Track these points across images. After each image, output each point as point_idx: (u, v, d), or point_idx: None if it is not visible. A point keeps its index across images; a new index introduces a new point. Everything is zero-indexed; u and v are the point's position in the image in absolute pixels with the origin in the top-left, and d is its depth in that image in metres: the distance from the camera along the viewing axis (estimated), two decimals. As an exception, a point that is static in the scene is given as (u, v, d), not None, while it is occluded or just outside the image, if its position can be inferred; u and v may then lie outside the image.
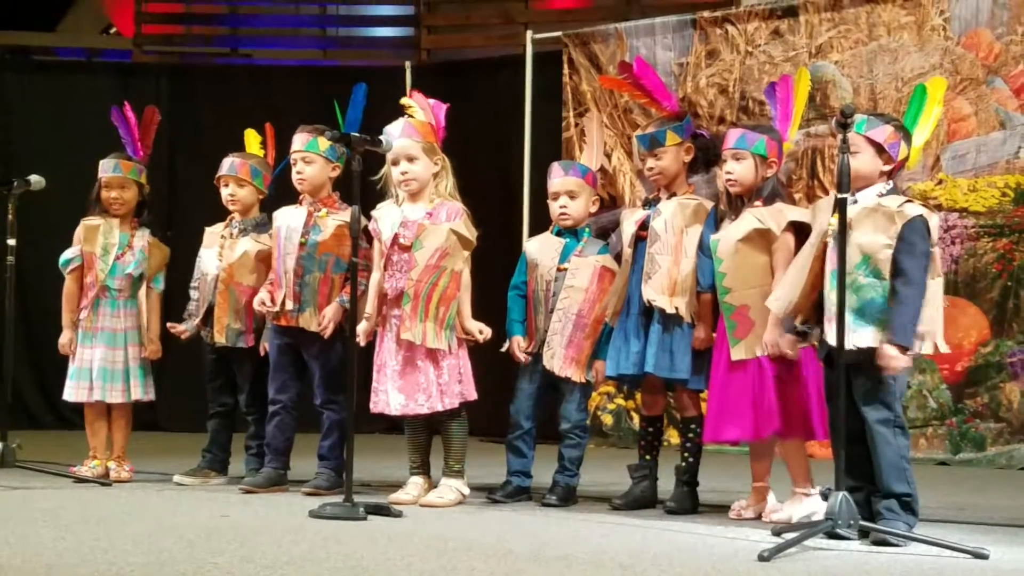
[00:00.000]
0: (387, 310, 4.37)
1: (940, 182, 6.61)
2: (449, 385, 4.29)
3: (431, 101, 4.50)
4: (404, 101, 4.54)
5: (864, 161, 3.65)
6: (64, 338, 4.97)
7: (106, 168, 5.01)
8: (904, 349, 3.51)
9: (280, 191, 5.08)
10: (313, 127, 4.62)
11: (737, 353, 3.96)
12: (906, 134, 3.71)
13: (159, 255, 5.08)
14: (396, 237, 4.34)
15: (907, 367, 3.55)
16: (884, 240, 3.55)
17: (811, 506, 3.90)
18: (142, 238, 5.04)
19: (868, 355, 3.55)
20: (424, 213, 4.35)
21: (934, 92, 3.80)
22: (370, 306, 4.40)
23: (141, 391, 4.98)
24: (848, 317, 3.55)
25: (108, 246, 4.96)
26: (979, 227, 6.51)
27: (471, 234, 4.38)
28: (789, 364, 3.92)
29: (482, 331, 4.41)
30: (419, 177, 4.36)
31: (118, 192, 4.99)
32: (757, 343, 3.93)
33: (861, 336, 3.55)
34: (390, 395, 4.30)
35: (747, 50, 7.24)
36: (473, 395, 4.36)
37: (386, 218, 4.39)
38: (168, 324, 5.01)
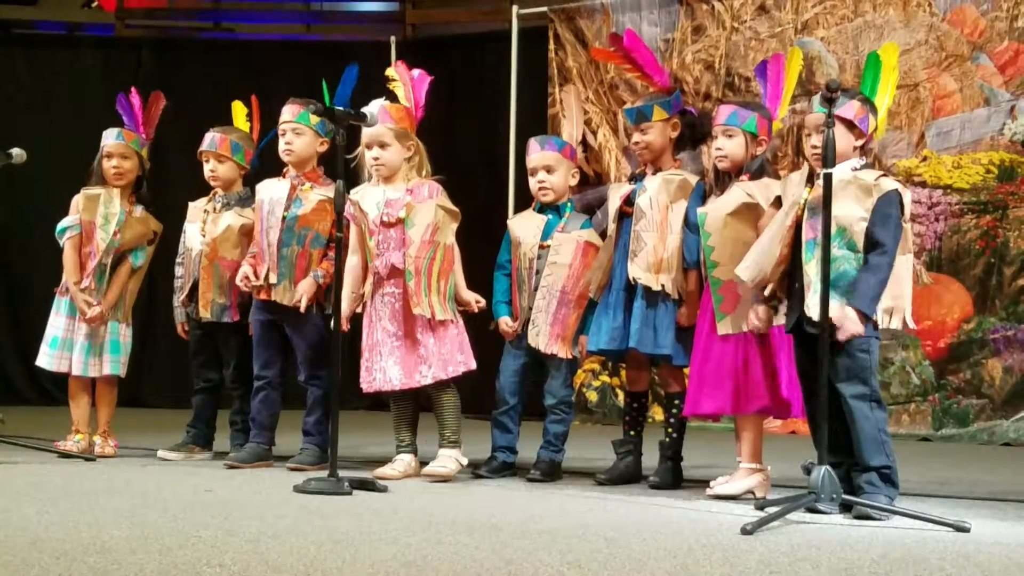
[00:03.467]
0: (378, 288, 4.36)
1: (925, 159, 6.62)
2: (452, 354, 4.30)
3: (415, 72, 4.49)
4: (389, 72, 4.53)
5: (837, 139, 3.65)
6: (82, 305, 4.85)
7: (109, 136, 4.98)
8: (864, 316, 3.52)
9: (265, 164, 5.06)
10: (304, 100, 4.60)
11: (723, 328, 3.96)
12: (872, 107, 3.72)
13: (138, 228, 4.99)
14: (380, 216, 4.33)
15: (859, 333, 3.51)
16: (860, 213, 3.56)
17: (752, 482, 3.93)
18: (136, 214, 5.00)
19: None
20: (405, 190, 4.35)
21: (888, 59, 3.80)
22: (347, 289, 4.37)
23: (112, 366, 4.95)
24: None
25: (109, 215, 4.91)
26: (963, 204, 6.53)
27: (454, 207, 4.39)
28: (771, 340, 3.92)
29: (478, 300, 4.45)
30: (389, 163, 4.36)
31: (119, 161, 4.95)
32: (743, 319, 3.92)
33: (832, 307, 3.55)
34: (388, 371, 4.29)
35: (733, 26, 7.23)
36: (473, 364, 4.37)
37: (369, 199, 4.37)
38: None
